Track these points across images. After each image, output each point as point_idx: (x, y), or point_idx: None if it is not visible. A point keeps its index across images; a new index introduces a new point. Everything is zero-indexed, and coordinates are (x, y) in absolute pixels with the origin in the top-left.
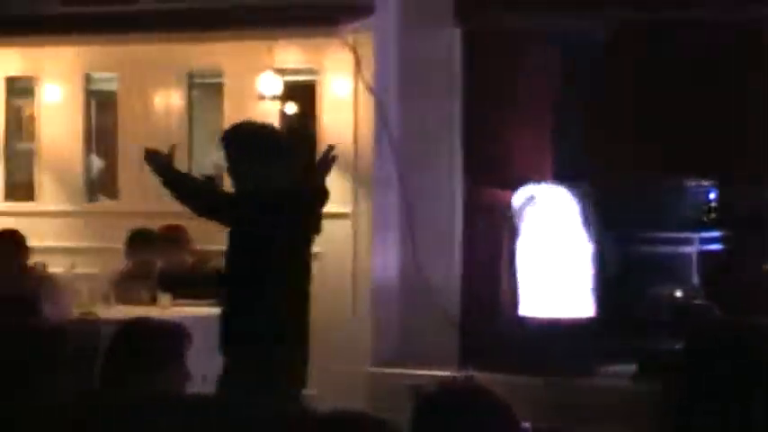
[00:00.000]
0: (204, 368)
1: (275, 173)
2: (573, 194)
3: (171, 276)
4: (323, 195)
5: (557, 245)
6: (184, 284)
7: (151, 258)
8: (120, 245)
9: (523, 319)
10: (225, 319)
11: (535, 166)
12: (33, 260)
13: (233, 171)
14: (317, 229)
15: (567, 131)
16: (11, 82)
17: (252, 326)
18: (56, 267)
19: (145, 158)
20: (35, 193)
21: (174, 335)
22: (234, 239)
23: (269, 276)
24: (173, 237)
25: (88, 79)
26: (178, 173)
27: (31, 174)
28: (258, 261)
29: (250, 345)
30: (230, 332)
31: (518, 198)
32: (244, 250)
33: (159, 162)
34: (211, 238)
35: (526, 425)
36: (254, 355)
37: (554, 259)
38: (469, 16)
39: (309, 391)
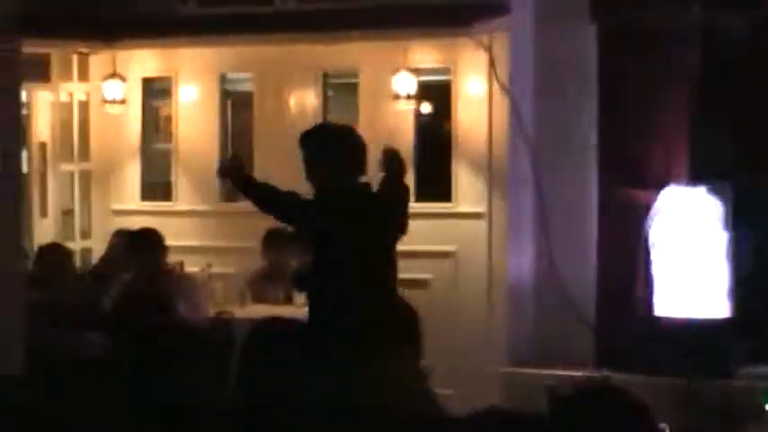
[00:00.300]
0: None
1: (351, 173)
2: (710, 194)
3: (306, 275)
4: (405, 194)
5: (693, 245)
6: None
7: (286, 258)
8: (255, 244)
9: (659, 319)
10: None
11: (672, 166)
12: (171, 259)
13: (309, 172)
14: (402, 228)
15: (705, 130)
16: (148, 83)
17: (340, 328)
18: (192, 267)
19: (218, 173)
20: (172, 193)
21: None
22: (318, 242)
23: (354, 277)
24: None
25: (224, 79)
26: (255, 183)
27: (167, 174)
28: (341, 263)
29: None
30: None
31: (654, 198)
32: (327, 253)
33: (234, 175)
34: None
35: (663, 425)
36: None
37: (690, 259)
38: (605, 14)
39: (445, 390)
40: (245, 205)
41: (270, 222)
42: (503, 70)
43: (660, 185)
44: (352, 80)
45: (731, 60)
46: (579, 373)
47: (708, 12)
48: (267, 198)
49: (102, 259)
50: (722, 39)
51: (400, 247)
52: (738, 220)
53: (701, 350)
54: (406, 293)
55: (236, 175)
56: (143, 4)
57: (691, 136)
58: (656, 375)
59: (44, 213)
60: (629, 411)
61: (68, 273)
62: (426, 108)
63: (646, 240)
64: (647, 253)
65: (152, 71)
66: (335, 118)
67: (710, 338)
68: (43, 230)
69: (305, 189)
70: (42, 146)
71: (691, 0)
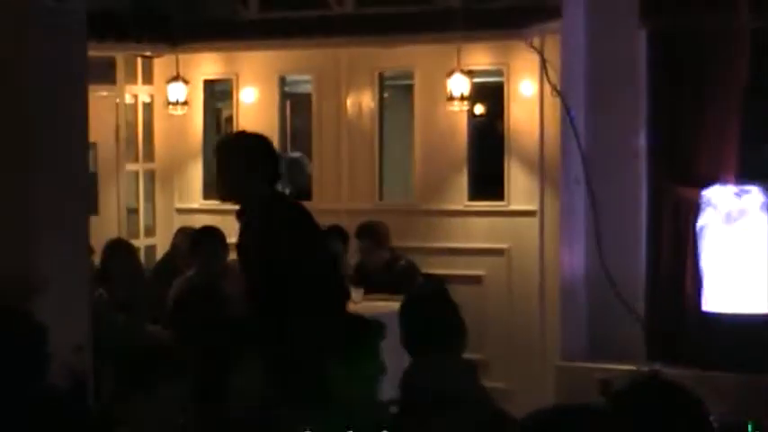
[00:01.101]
0: (396, 362)
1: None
2: (757, 192)
3: (365, 271)
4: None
5: (740, 241)
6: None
7: (345, 257)
8: None
9: (707, 314)
10: None
11: (720, 165)
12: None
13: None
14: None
15: (754, 130)
16: (210, 85)
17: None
18: None
19: None
20: None
21: (369, 329)
22: None
23: None
24: (370, 232)
25: (283, 81)
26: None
27: None
28: None
29: None
30: None
31: (702, 195)
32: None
33: None
34: (409, 236)
35: (712, 418)
36: None
37: (737, 256)
38: (655, 17)
39: (499, 384)
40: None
41: (327, 220)
42: (554, 72)
43: (708, 184)
44: (408, 82)
45: None
46: (630, 367)
47: (756, 14)
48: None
49: (166, 256)
50: None
51: (456, 243)
52: None
53: (748, 344)
54: (461, 289)
55: None
56: (207, 9)
57: (738, 136)
58: (705, 369)
59: (95, 211)
60: (681, 404)
61: (133, 269)
62: (479, 109)
63: (694, 237)
64: (696, 249)
65: (214, 74)
66: (391, 119)
67: (758, 333)
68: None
69: (360, 191)
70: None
71: (739, 3)
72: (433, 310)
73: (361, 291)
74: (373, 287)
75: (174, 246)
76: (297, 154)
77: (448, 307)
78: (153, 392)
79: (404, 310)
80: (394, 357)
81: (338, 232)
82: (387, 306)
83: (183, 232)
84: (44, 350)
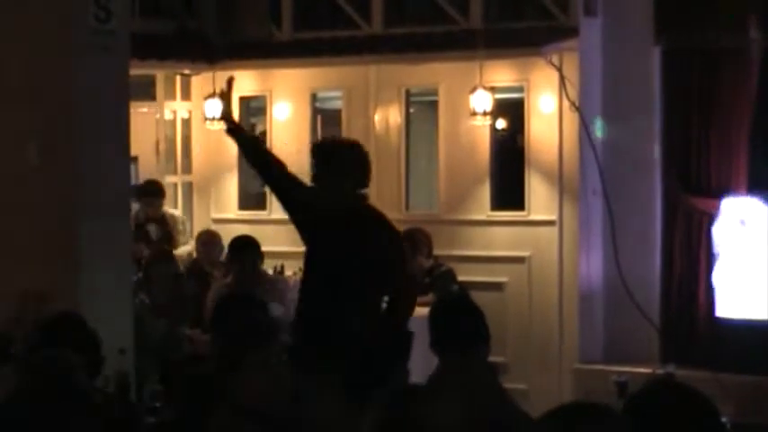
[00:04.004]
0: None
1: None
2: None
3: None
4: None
5: (751, 250)
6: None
7: None
8: None
9: (719, 319)
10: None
11: (731, 176)
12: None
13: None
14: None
15: (764, 143)
16: (245, 101)
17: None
18: (285, 271)
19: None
20: (266, 203)
21: (399, 334)
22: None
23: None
24: (408, 238)
25: (314, 98)
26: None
27: (263, 185)
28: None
29: None
30: None
31: (714, 206)
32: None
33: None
34: (434, 244)
35: (724, 419)
36: None
37: (749, 264)
38: (669, 35)
39: (520, 385)
40: None
41: None
42: (572, 88)
43: (720, 195)
44: (433, 98)
45: None
46: (645, 370)
47: (766, 33)
48: (262, 152)
49: (194, 259)
50: None
51: (479, 251)
52: None
53: (759, 349)
54: (483, 295)
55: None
56: (243, 30)
57: (748, 148)
58: (717, 372)
59: None
60: (694, 406)
61: (172, 276)
62: (501, 123)
63: (706, 245)
64: (708, 257)
65: (249, 90)
66: (417, 133)
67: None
68: None
69: (387, 202)
70: (135, 159)
71: (750, 21)
72: (459, 315)
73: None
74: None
75: (198, 249)
76: None
77: (473, 313)
78: None
79: (433, 315)
80: (421, 361)
81: None
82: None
83: (206, 236)
84: (100, 353)
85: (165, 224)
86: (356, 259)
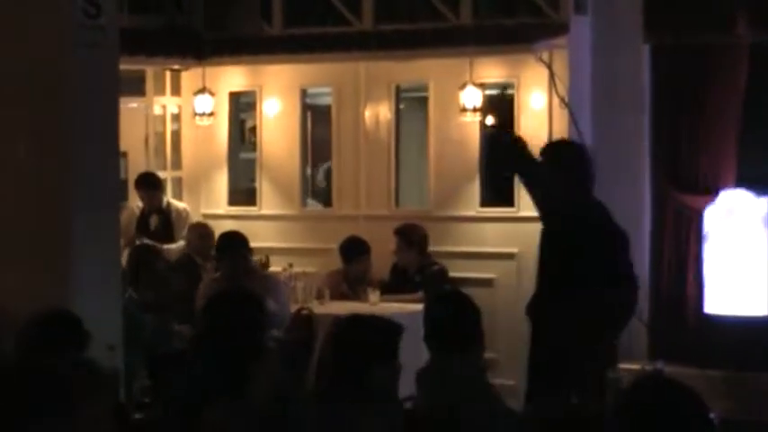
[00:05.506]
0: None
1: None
2: (755, 198)
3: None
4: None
5: (741, 246)
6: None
7: (366, 265)
8: (332, 246)
9: (709, 316)
10: None
11: (720, 172)
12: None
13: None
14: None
15: (751, 139)
16: (235, 97)
17: None
18: (275, 267)
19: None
20: (256, 199)
21: (387, 330)
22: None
23: None
24: (402, 233)
25: (304, 93)
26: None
27: (252, 181)
28: None
29: None
30: None
31: (703, 202)
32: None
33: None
34: (440, 240)
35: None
36: None
37: (738, 260)
38: (658, 33)
39: (508, 381)
40: (322, 210)
41: (346, 225)
42: (562, 85)
43: (709, 192)
44: (423, 94)
45: None
46: (635, 366)
47: (755, 30)
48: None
49: (185, 252)
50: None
51: (468, 248)
52: None
53: (748, 345)
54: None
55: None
56: (233, 25)
57: (738, 145)
58: (706, 368)
59: None
60: (683, 402)
61: (159, 271)
62: (490, 120)
63: (696, 242)
64: (697, 254)
65: (239, 86)
66: (407, 129)
67: (757, 334)
68: None
69: (377, 198)
70: (124, 154)
71: (739, 18)
72: (455, 311)
73: (378, 293)
74: (406, 288)
75: (188, 242)
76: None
77: (469, 310)
78: None
79: (428, 310)
80: (410, 356)
81: (359, 246)
82: (401, 308)
83: (196, 229)
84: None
85: (168, 215)
86: None
